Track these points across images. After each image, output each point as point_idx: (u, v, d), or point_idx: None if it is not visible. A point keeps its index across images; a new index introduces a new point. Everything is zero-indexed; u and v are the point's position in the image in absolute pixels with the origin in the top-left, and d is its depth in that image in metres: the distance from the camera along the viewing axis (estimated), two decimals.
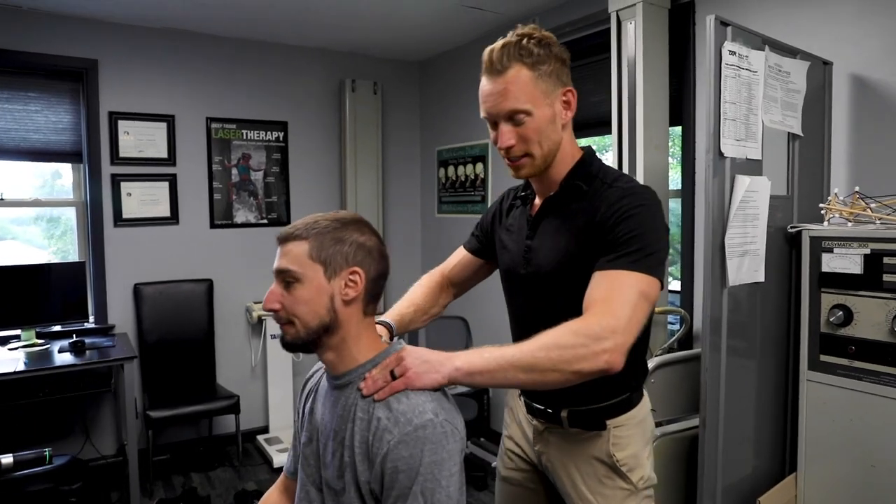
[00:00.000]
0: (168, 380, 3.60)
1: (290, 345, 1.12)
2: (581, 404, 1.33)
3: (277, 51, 3.98)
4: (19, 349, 3.09)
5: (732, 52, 1.67)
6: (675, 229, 2.86)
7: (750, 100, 1.74)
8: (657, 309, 2.50)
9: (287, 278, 1.08)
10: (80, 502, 2.76)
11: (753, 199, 1.75)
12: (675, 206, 2.84)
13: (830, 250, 1.82)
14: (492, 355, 1.07)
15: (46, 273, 3.30)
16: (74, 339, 3.11)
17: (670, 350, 2.46)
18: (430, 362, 1.07)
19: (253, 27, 3.66)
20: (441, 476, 1.01)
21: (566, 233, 1.28)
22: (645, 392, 1.41)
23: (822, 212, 1.89)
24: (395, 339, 1.28)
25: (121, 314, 3.58)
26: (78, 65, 3.41)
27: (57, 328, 3.37)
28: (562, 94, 1.25)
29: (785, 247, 1.96)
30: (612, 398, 1.33)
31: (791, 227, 1.93)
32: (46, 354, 3.04)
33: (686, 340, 2.57)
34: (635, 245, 1.14)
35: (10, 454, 2.53)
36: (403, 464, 1.00)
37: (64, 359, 2.96)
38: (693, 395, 1.87)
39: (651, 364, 1.90)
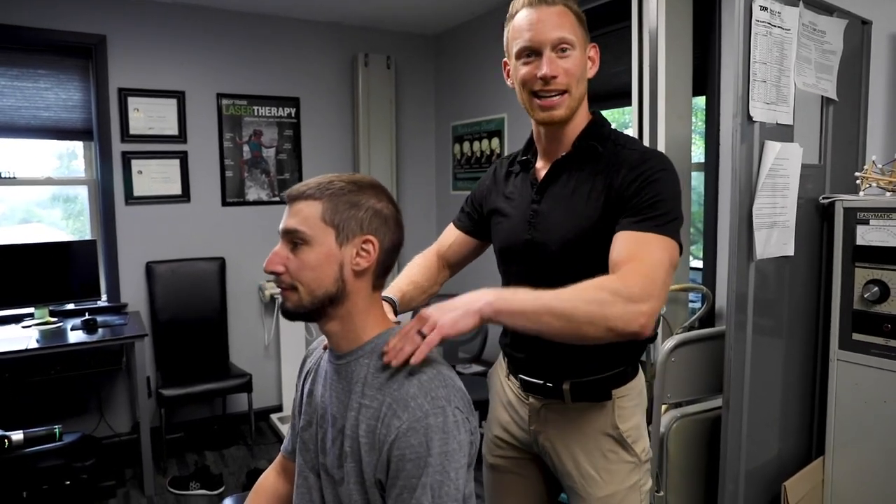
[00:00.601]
0: (181, 358, 3.58)
1: (290, 313, 1.03)
2: (583, 375, 1.27)
3: (289, 25, 3.89)
4: (32, 327, 3.09)
5: (764, 8, 1.55)
6: (696, 207, 2.74)
7: (782, 60, 1.62)
8: (677, 286, 2.40)
9: (295, 239, 1.00)
10: (91, 479, 2.76)
11: (784, 167, 1.64)
12: (697, 181, 2.72)
13: (866, 222, 1.71)
14: (527, 296, 1.01)
15: (59, 251, 3.28)
16: (87, 317, 3.09)
17: (691, 329, 2.36)
18: (458, 307, 0.99)
19: (264, 1, 3.57)
20: (450, 468, 0.94)
21: (584, 196, 1.21)
22: (639, 364, 1.36)
23: (858, 181, 1.78)
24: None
25: (133, 293, 3.57)
26: (87, 41, 3.36)
27: (70, 306, 3.36)
28: (590, 48, 1.25)
29: (816, 219, 1.85)
30: (613, 368, 1.28)
31: (823, 198, 1.82)
32: (59, 332, 3.04)
33: (707, 319, 2.47)
34: (661, 209, 1.11)
35: (21, 431, 2.52)
36: (412, 452, 0.93)
37: (76, 337, 2.95)
38: (715, 375, 1.78)
39: (671, 343, 1.81)
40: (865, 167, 1.77)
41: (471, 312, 0.98)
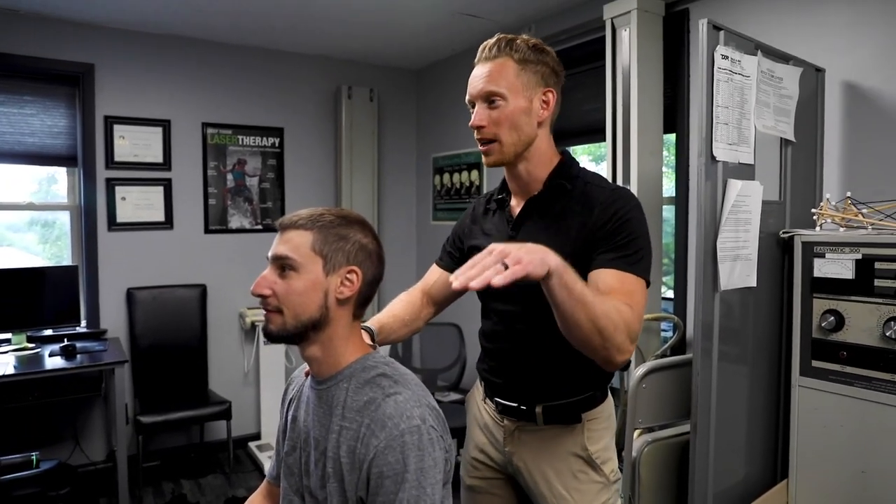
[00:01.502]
0: (160, 385, 3.57)
1: (273, 335, 1.09)
2: (555, 399, 1.35)
3: (274, 57, 3.99)
4: (9, 353, 3.07)
5: (725, 56, 1.67)
6: (668, 238, 2.86)
7: (742, 104, 1.75)
8: (650, 315, 2.50)
9: (284, 265, 1.06)
10: None
11: (746, 203, 1.75)
12: (668, 214, 2.84)
13: (822, 255, 1.82)
14: (576, 281, 1.05)
15: (39, 277, 3.29)
16: (65, 343, 3.08)
17: (663, 356, 2.45)
18: (535, 252, 1.00)
19: (250, 33, 3.67)
20: (426, 484, 0.99)
21: (557, 233, 1.29)
22: (608, 389, 1.43)
23: (815, 217, 1.89)
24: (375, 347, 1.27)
25: (113, 319, 3.56)
26: (74, 69, 3.41)
27: (49, 332, 3.35)
28: (542, 93, 1.31)
29: (777, 252, 1.96)
30: (583, 392, 1.36)
31: (783, 233, 1.93)
32: (37, 358, 3.02)
33: (679, 347, 2.56)
34: (635, 248, 1.21)
35: None
36: (389, 469, 0.99)
37: (54, 363, 2.93)
38: (684, 401, 1.86)
39: (641, 370, 1.89)
40: (821, 204, 1.89)
41: (545, 263, 0.99)
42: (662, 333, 2.75)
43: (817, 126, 2.13)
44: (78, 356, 3.02)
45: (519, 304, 1.35)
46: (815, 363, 1.83)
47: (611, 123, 2.64)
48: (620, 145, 2.60)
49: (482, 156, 1.34)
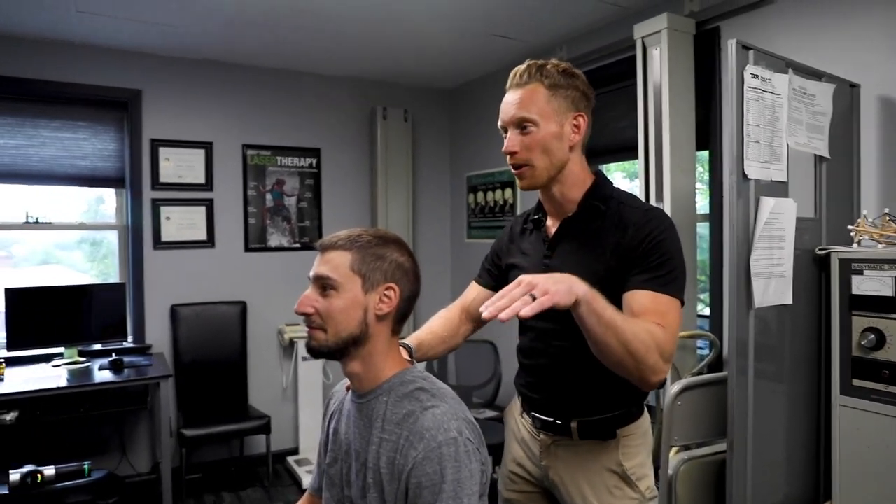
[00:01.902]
0: (202, 399, 3.68)
1: (316, 351, 1.14)
2: (590, 414, 1.37)
3: (311, 80, 4.12)
4: (62, 366, 3.21)
5: (755, 76, 1.69)
6: (703, 254, 2.84)
7: (774, 122, 1.75)
8: (685, 333, 2.49)
9: (325, 284, 1.12)
10: None
11: (779, 220, 1.75)
12: (703, 231, 2.83)
13: (861, 272, 1.80)
14: (606, 307, 1.10)
15: (89, 294, 3.44)
16: (113, 357, 3.21)
17: (700, 374, 2.43)
18: (562, 282, 1.05)
19: (287, 58, 3.80)
20: (463, 494, 1.03)
21: (591, 252, 1.33)
22: (644, 405, 1.45)
23: (852, 234, 1.88)
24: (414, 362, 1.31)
25: (158, 334, 3.69)
26: (123, 95, 3.59)
27: (98, 347, 3.49)
28: (573, 118, 1.35)
29: (814, 269, 1.94)
30: (619, 409, 1.37)
31: (819, 250, 1.92)
32: (87, 372, 3.15)
33: (716, 365, 2.54)
34: (669, 268, 1.24)
35: (53, 466, 2.62)
36: (427, 480, 1.03)
37: (103, 376, 3.05)
38: (720, 419, 1.85)
39: (676, 387, 1.89)
40: (858, 220, 1.87)
41: (573, 292, 1.05)
42: (699, 351, 2.73)
43: (853, 142, 2.11)
44: (125, 370, 3.14)
45: (556, 322, 1.37)
46: (856, 382, 1.81)
47: (643, 141, 2.66)
48: (653, 163, 2.61)
49: (517, 179, 1.39)
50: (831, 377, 1.85)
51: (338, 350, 1.13)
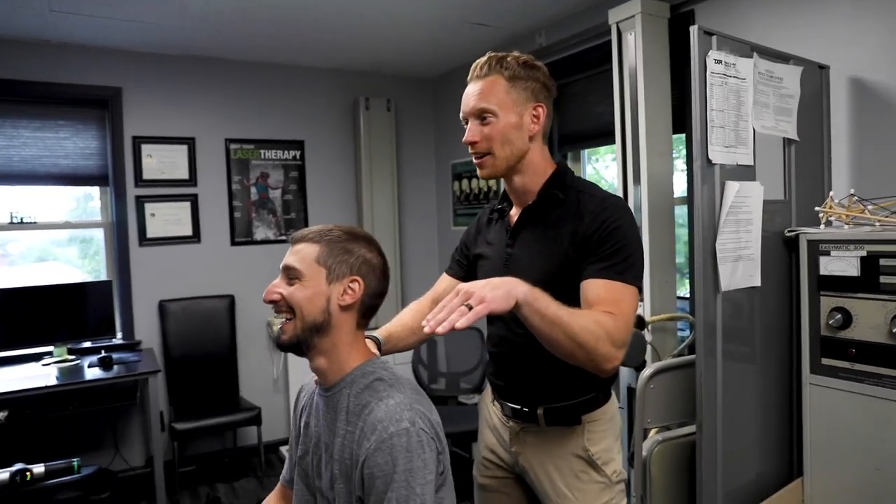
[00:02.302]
0: (193, 393, 3.71)
1: (285, 344, 1.17)
2: (556, 401, 1.40)
3: (292, 72, 4.11)
4: (52, 364, 3.24)
5: (718, 61, 1.69)
6: (681, 233, 2.86)
7: (739, 107, 1.76)
8: (664, 315, 2.51)
9: (291, 274, 1.16)
10: None
11: (746, 204, 1.77)
12: (681, 213, 2.85)
13: (828, 253, 1.82)
14: (549, 305, 1.12)
15: (77, 291, 3.46)
16: (102, 354, 3.23)
17: (680, 356, 2.46)
18: (500, 287, 1.06)
19: (268, 51, 3.79)
20: (415, 484, 1.05)
21: (549, 240, 1.36)
22: (612, 391, 1.48)
23: (820, 215, 1.90)
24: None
25: (147, 330, 3.72)
26: (103, 93, 3.58)
27: (87, 344, 3.51)
28: (532, 108, 1.37)
29: (783, 251, 1.96)
30: (584, 395, 1.40)
31: (788, 231, 1.94)
32: (77, 369, 3.18)
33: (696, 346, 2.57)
34: (623, 255, 1.26)
35: (42, 464, 2.64)
36: (379, 470, 1.05)
37: (93, 373, 3.08)
38: (692, 400, 1.88)
39: (649, 370, 1.92)
40: (826, 201, 1.89)
41: (511, 296, 1.06)
42: (679, 333, 2.76)
43: (823, 123, 2.12)
44: (115, 367, 3.16)
45: (510, 320, 1.41)
46: (825, 361, 1.84)
47: (619, 126, 2.66)
48: (630, 147, 2.62)
49: (477, 168, 1.40)
50: (801, 357, 1.88)
51: (304, 340, 1.16)
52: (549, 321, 1.11)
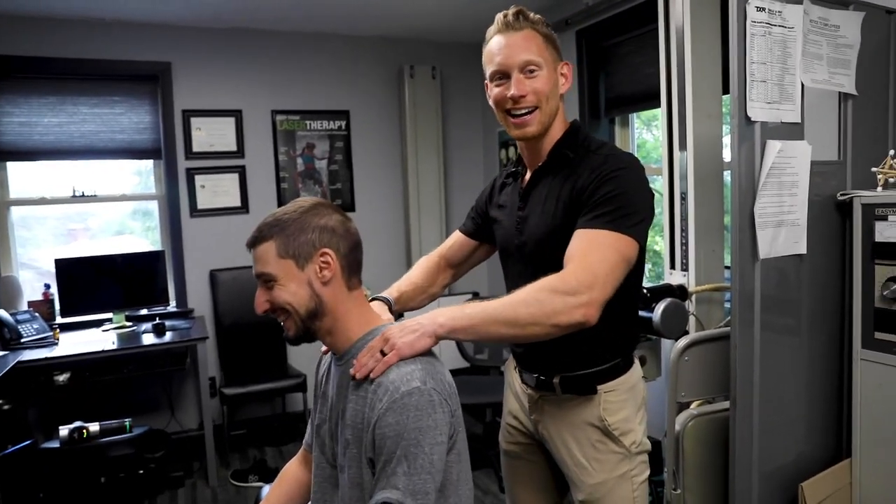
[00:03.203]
0: (242, 360, 3.83)
1: (293, 339, 1.18)
2: (572, 370, 1.36)
3: (336, 41, 4.09)
4: (111, 331, 3.41)
5: (760, 8, 1.56)
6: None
7: (785, 59, 1.62)
8: (708, 286, 2.39)
9: (266, 279, 1.15)
10: (161, 469, 3.02)
11: (791, 165, 1.63)
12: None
13: (885, 218, 1.67)
14: (473, 310, 1.12)
15: (133, 261, 3.62)
16: (157, 321, 3.37)
17: (727, 327, 2.34)
18: (416, 330, 1.10)
19: (311, 20, 3.78)
20: (424, 442, 1.04)
21: (553, 200, 1.31)
22: (636, 359, 1.42)
23: (878, 176, 1.73)
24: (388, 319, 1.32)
25: (199, 299, 3.85)
26: (154, 68, 3.68)
27: (144, 312, 3.67)
28: (562, 66, 1.33)
29: (836, 216, 1.82)
30: (601, 364, 1.35)
31: (841, 195, 1.79)
32: (133, 335, 3.34)
33: None
34: (612, 205, 1.19)
35: (98, 423, 2.81)
36: (390, 430, 1.04)
37: (147, 339, 3.23)
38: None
39: (682, 342, 1.83)
40: (884, 160, 1.73)
41: (427, 334, 1.10)
42: (727, 305, 2.62)
43: (890, 75, 1.93)
44: (167, 333, 3.30)
45: (527, 274, 1.36)
46: (879, 335, 1.70)
47: (665, 87, 2.51)
48: (676, 110, 2.47)
49: (517, 128, 1.31)
50: (852, 330, 1.75)
51: (307, 329, 1.16)
52: (482, 325, 1.11)
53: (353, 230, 1.20)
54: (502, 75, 1.30)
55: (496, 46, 1.30)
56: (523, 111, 1.29)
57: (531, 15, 1.31)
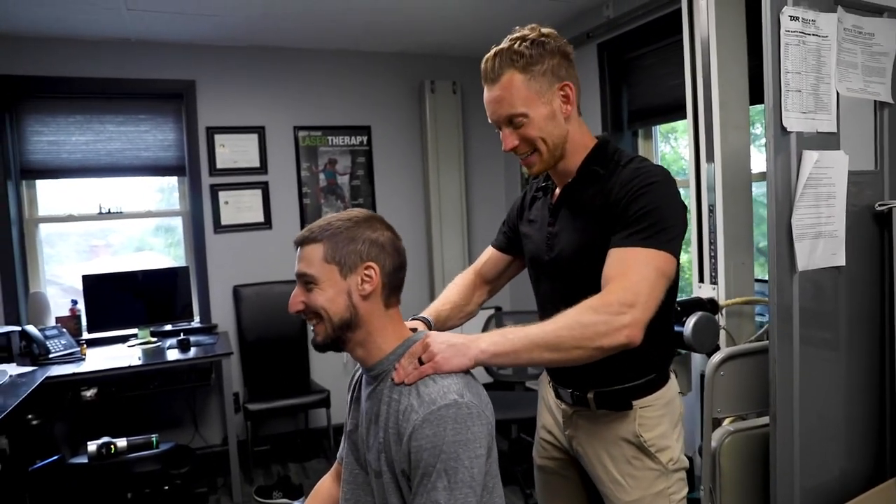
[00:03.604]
0: (266, 375, 3.83)
1: (319, 345, 1.17)
2: (606, 385, 1.34)
3: (357, 58, 4.13)
4: (136, 346, 3.43)
5: (794, 18, 1.54)
6: (762, 213, 2.66)
7: (819, 68, 1.60)
8: (740, 299, 2.35)
9: (306, 280, 1.14)
10: (186, 485, 3.02)
11: (828, 175, 1.60)
12: (759, 191, 2.65)
13: None
14: (516, 336, 1.11)
15: (158, 278, 3.65)
16: (181, 337, 3.39)
17: (759, 341, 2.30)
18: (455, 346, 1.10)
19: (333, 37, 3.83)
20: (464, 456, 1.02)
21: (584, 217, 1.30)
22: (672, 374, 1.40)
23: None
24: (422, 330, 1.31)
25: (223, 314, 3.87)
26: (178, 87, 3.74)
27: (168, 327, 3.70)
28: (559, 90, 1.27)
29: (873, 227, 1.78)
30: (636, 379, 1.33)
31: (880, 205, 1.75)
32: (158, 351, 3.35)
33: None
34: (647, 221, 1.16)
35: (125, 438, 2.81)
36: (427, 442, 1.02)
37: (172, 355, 3.24)
38: (766, 389, 1.74)
39: (718, 356, 1.79)
40: None
41: (467, 356, 1.09)
42: (759, 318, 2.58)
43: None
44: (192, 349, 3.31)
45: (558, 290, 1.36)
46: None
47: (691, 99, 2.50)
48: (703, 121, 2.45)
49: (526, 167, 1.34)
50: (894, 343, 1.70)
51: (337, 338, 1.15)
52: (524, 351, 1.10)
53: (401, 249, 1.19)
54: (497, 128, 1.31)
55: (485, 99, 1.30)
56: (524, 155, 1.30)
57: (515, 47, 1.25)
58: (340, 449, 1.43)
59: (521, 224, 1.51)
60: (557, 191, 1.40)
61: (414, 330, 1.25)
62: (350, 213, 1.18)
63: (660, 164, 2.61)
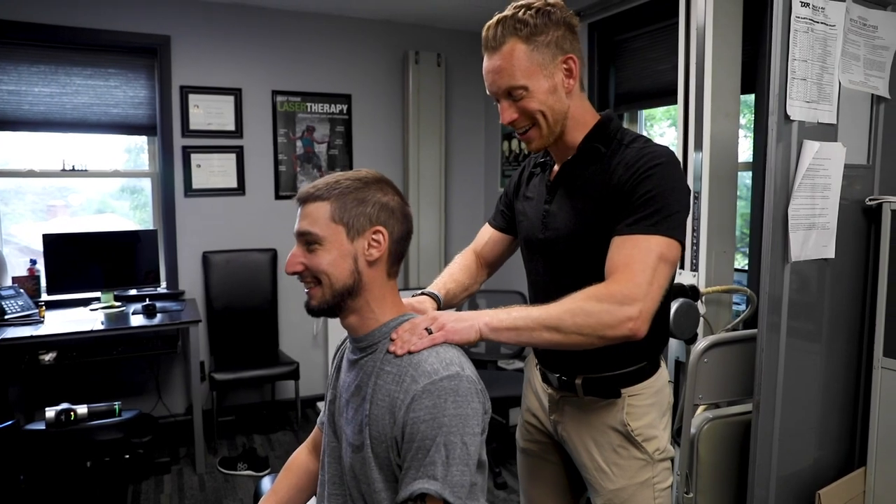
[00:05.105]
0: (233, 345, 3.74)
1: (314, 309, 1.09)
2: (596, 371, 1.31)
3: (341, 23, 3.99)
4: (99, 310, 3.30)
5: (805, 4, 1.51)
6: (743, 204, 2.67)
7: (825, 57, 1.58)
8: (719, 287, 2.36)
9: (309, 240, 1.06)
10: (148, 454, 2.94)
11: (825, 167, 1.60)
12: (745, 181, 2.66)
13: None
14: (519, 314, 1.09)
15: (124, 240, 3.50)
16: (147, 302, 3.27)
17: (734, 331, 2.31)
18: (465, 320, 1.08)
19: (317, 0, 3.68)
20: (464, 432, 0.98)
21: (583, 195, 1.25)
22: (662, 363, 1.37)
23: None
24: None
25: (191, 281, 3.75)
26: (152, 41, 3.55)
27: (133, 292, 3.57)
28: (562, 63, 1.21)
29: (862, 221, 1.79)
30: (627, 366, 1.30)
31: (870, 199, 1.76)
32: (122, 316, 3.23)
33: (752, 322, 2.40)
34: (653, 206, 1.12)
35: (86, 405, 2.71)
36: (426, 413, 0.98)
37: (137, 320, 3.13)
38: (748, 377, 1.75)
39: (703, 343, 1.79)
40: None
41: (473, 328, 1.08)
42: (735, 307, 2.60)
43: None
44: (158, 315, 3.20)
45: (550, 270, 1.33)
46: None
47: (683, 84, 2.47)
48: (693, 107, 2.43)
49: (524, 143, 1.28)
50: (874, 338, 1.73)
51: (335, 305, 1.08)
52: (525, 330, 1.08)
53: (409, 216, 1.12)
54: (495, 99, 1.24)
55: (484, 69, 1.23)
56: (522, 130, 1.24)
57: (519, 14, 1.18)
58: (321, 415, 1.37)
59: (518, 200, 1.45)
60: (556, 168, 1.35)
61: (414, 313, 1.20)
62: (358, 174, 1.10)
63: None
